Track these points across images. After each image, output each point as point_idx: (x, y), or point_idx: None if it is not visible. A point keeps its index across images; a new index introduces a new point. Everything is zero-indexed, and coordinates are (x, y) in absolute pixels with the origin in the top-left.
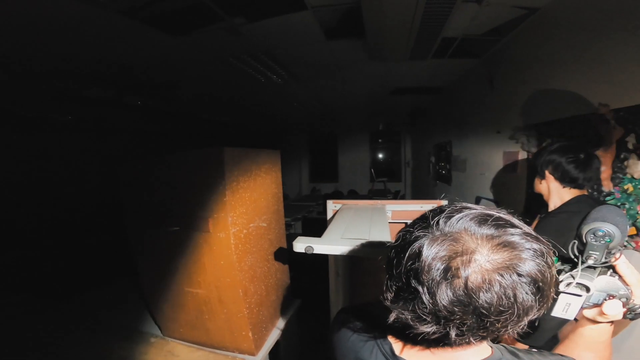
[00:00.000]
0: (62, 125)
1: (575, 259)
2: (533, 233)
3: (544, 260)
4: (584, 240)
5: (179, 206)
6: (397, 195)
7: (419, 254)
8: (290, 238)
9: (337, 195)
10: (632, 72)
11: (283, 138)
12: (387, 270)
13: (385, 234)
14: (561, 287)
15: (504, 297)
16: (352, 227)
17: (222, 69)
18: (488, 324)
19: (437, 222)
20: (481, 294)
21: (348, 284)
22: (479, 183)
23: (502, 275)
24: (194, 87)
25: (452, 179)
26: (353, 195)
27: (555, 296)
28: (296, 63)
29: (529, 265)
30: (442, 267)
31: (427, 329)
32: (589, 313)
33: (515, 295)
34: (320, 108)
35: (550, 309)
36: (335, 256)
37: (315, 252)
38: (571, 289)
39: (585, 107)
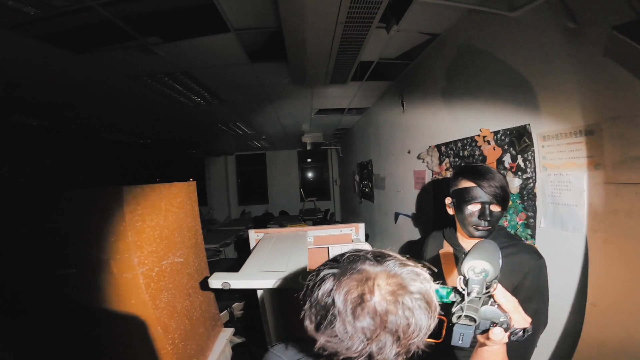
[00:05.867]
0: None
1: (463, 292)
2: (408, 262)
3: (422, 278)
4: (466, 276)
5: (79, 247)
6: (327, 214)
7: (332, 287)
8: (221, 264)
9: (268, 217)
10: (505, 97)
11: (209, 160)
12: (305, 300)
13: (303, 264)
14: (454, 319)
15: (405, 311)
16: (272, 259)
17: (135, 88)
18: (400, 338)
19: (344, 261)
20: (390, 314)
21: (279, 317)
22: (397, 200)
23: (400, 295)
24: (103, 107)
25: (374, 196)
26: (284, 216)
27: (450, 325)
28: (219, 85)
29: (415, 285)
30: (355, 294)
31: (352, 353)
32: (481, 339)
33: (412, 308)
34: (245, 129)
35: (449, 339)
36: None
37: (232, 287)
38: (462, 321)
39: (472, 130)
